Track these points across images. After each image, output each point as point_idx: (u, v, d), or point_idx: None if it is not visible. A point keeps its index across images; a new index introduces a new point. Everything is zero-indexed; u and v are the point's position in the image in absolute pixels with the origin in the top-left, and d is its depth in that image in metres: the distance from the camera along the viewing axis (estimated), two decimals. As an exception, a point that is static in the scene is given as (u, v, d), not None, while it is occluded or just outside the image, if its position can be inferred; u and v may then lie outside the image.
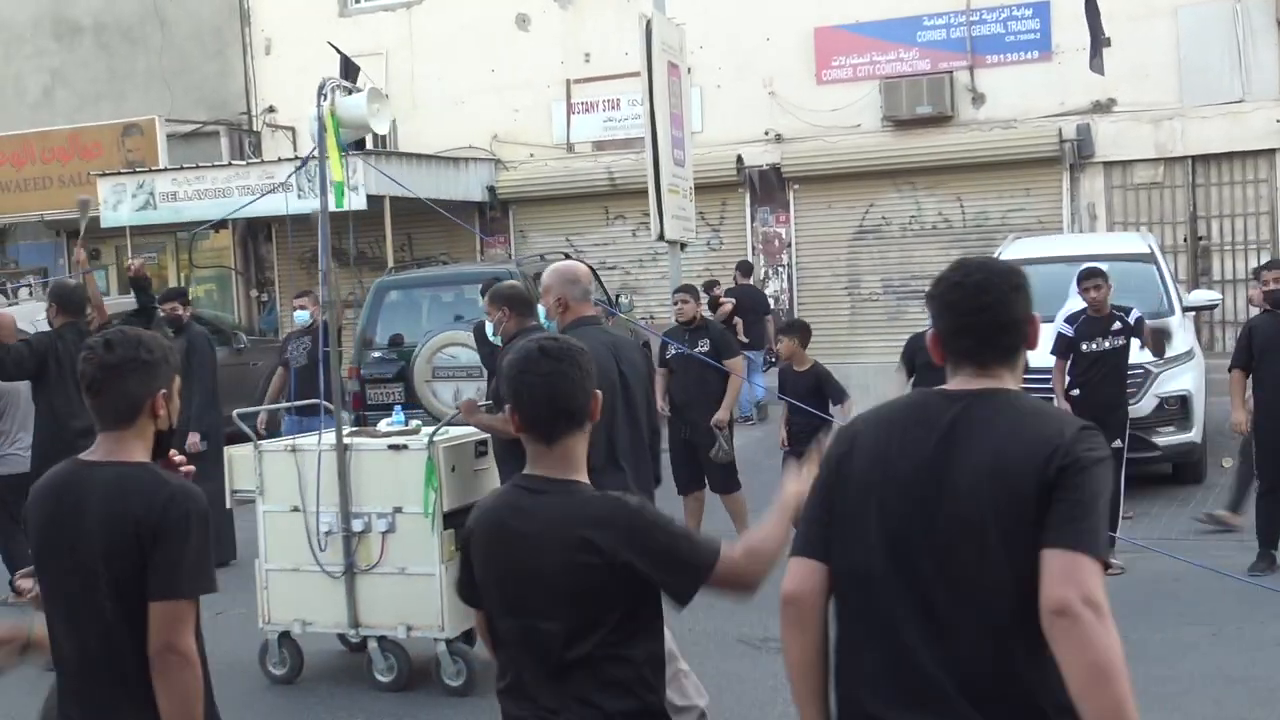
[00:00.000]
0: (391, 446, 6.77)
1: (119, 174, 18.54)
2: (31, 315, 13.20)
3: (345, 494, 6.69)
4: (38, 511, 3.24)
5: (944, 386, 2.74)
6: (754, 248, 18.47)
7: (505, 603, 2.99)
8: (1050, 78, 16.96)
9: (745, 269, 16.00)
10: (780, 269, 18.42)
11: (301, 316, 11.60)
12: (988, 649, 2.50)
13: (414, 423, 7.39)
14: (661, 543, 2.90)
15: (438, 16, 19.86)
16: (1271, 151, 16.28)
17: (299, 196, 16.80)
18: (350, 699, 6.79)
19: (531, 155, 19.46)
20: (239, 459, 7.22)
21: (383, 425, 7.44)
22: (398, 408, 8.16)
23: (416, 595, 6.61)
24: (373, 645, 6.84)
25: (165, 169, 18.59)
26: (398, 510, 6.65)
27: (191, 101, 21.03)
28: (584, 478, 3.03)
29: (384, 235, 17.48)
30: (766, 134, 18.19)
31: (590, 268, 15.84)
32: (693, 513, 9.81)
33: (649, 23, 12.92)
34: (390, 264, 16.78)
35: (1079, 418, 2.67)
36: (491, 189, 19.52)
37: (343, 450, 6.74)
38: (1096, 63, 15.32)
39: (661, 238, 13.03)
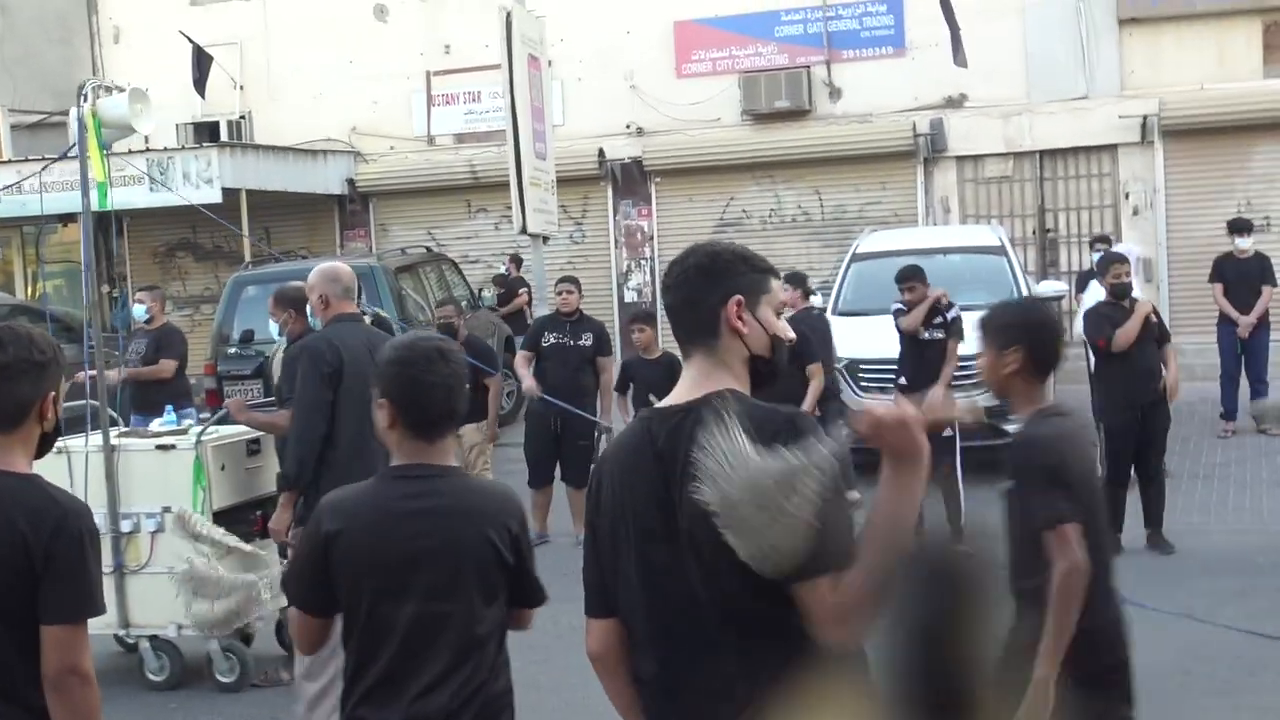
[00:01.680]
0: (159, 446, 6.85)
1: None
2: None
3: (113, 494, 6.69)
4: None
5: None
6: (616, 240, 18.54)
7: (405, 588, 3.00)
8: (904, 73, 17.30)
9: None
10: (643, 262, 18.50)
11: (138, 311, 11.38)
12: None
13: (186, 422, 7.45)
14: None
15: (294, 6, 19.51)
16: (1114, 146, 16.82)
17: (151, 190, 16.42)
18: (126, 699, 6.67)
19: (392, 148, 19.26)
20: None
21: (155, 425, 7.52)
22: (169, 407, 8.10)
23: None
24: (144, 645, 6.90)
25: (9, 160, 17.99)
26: (166, 510, 6.69)
27: (36, 90, 20.36)
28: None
29: (240, 228, 17.14)
30: (628, 127, 18.26)
31: (453, 261, 15.81)
32: (540, 507, 9.85)
33: (509, 15, 12.91)
34: (247, 258, 16.47)
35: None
36: (351, 182, 19.28)
37: (110, 450, 6.76)
38: (960, 56, 15.70)
39: (524, 231, 13.03)
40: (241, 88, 19.61)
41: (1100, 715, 3.54)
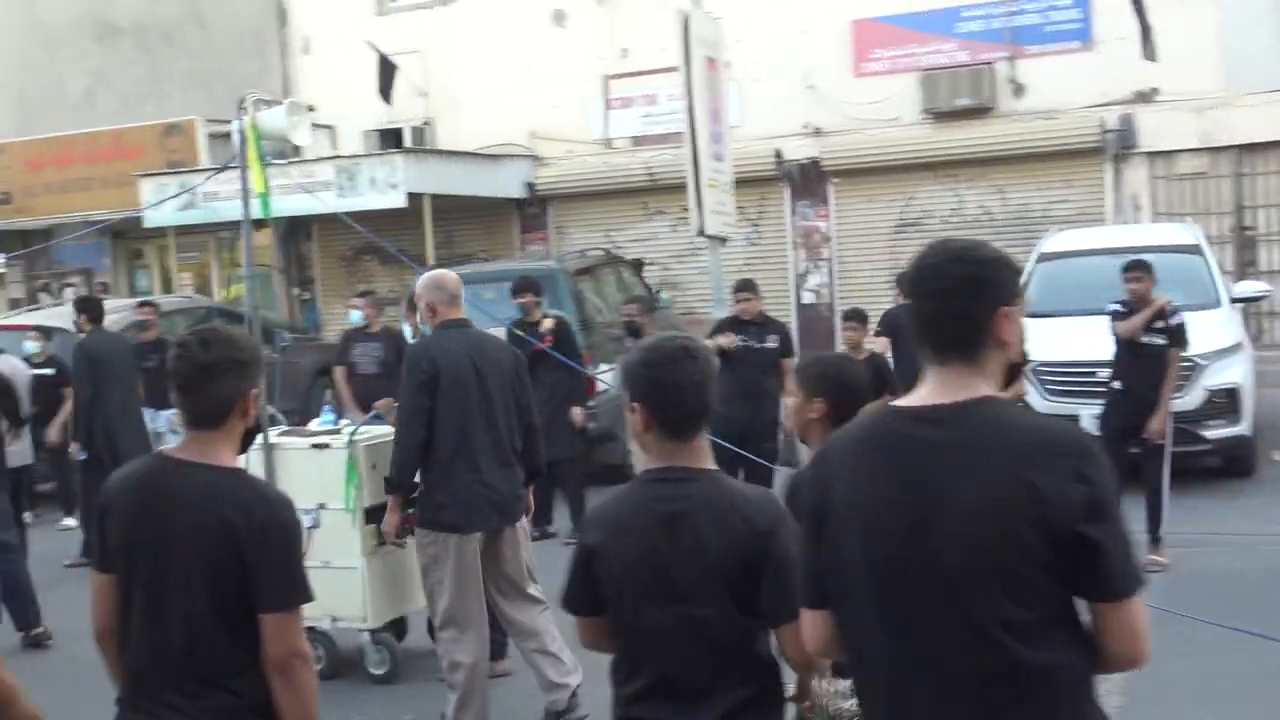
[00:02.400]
0: (315, 445, 7.04)
1: (161, 174, 18.65)
2: (73, 314, 13.32)
3: None
4: (122, 506, 3.25)
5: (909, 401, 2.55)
6: (794, 242, 18.40)
7: (663, 592, 2.98)
8: (1091, 67, 16.79)
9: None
10: (820, 263, 18.33)
11: (354, 316, 11.61)
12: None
13: (343, 423, 7.58)
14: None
15: (474, 13, 19.87)
16: (1319, 139, 16.08)
17: (339, 195, 16.88)
18: None
19: (570, 151, 19.44)
20: None
21: (313, 424, 7.69)
22: (326, 407, 8.29)
23: (341, 587, 6.77)
24: None
25: (206, 169, 18.68)
26: (322, 506, 6.85)
27: (231, 101, 21.08)
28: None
29: (423, 233, 17.52)
30: (805, 128, 18.11)
31: (630, 262, 15.89)
32: None
33: (686, 17, 12.89)
34: (430, 261, 16.81)
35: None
36: (530, 185, 19.52)
37: (269, 449, 6.97)
38: (1149, 49, 15.18)
39: (701, 233, 13.00)
40: (424, 94, 20.03)
41: None
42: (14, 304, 20.40)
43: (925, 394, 2.51)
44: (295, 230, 20.82)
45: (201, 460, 3.22)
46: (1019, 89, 17.26)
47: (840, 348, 9.47)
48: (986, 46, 17.36)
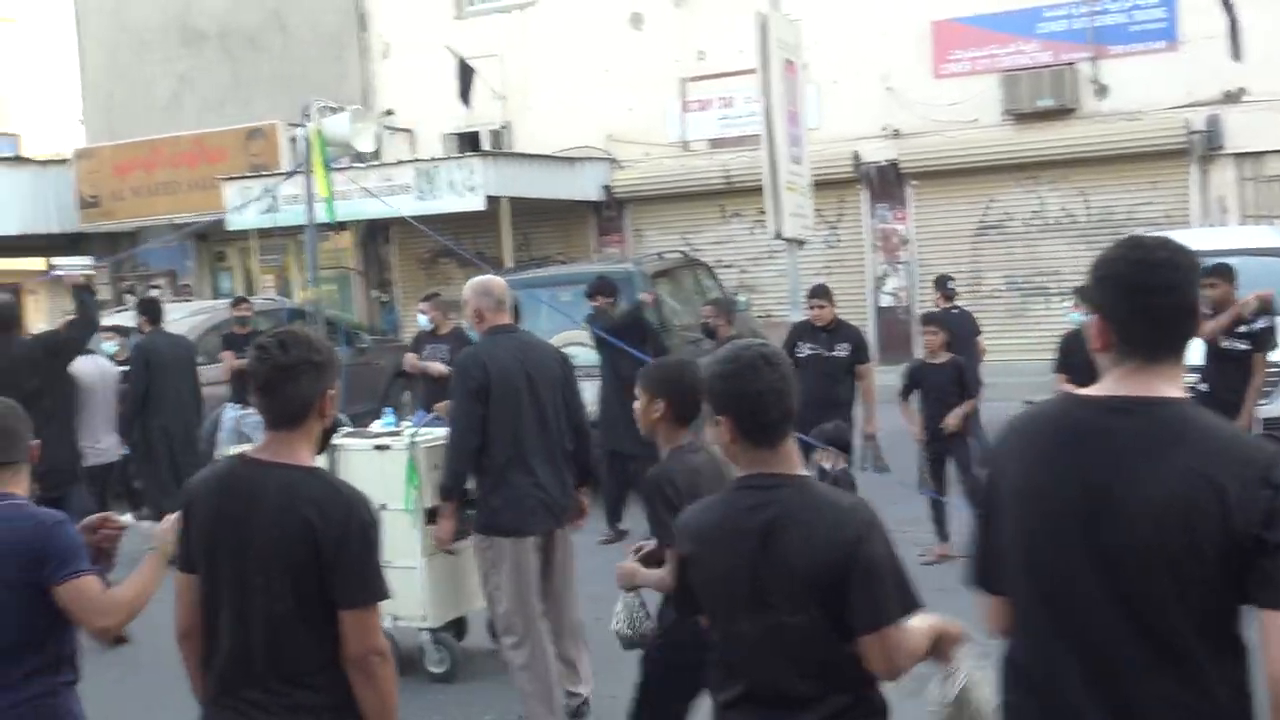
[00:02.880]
0: (376, 447, 7.08)
1: (244, 177, 18.91)
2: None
3: None
4: (204, 507, 3.30)
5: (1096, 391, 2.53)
6: (872, 245, 18.28)
7: (755, 600, 2.96)
8: (1177, 68, 16.51)
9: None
10: (899, 266, 18.19)
11: (422, 321, 11.78)
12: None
13: (405, 424, 7.63)
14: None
15: (552, 17, 19.96)
16: None
17: (418, 199, 17.03)
18: None
19: (646, 154, 19.46)
20: None
21: (374, 426, 7.75)
22: (388, 409, 8.35)
23: (401, 587, 6.62)
24: None
25: (287, 172, 18.92)
26: (383, 507, 6.75)
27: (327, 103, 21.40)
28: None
29: (500, 235, 17.62)
30: (884, 130, 17.99)
31: (707, 265, 15.87)
32: None
33: (764, 20, 12.84)
34: (508, 263, 16.91)
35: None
36: (607, 188, 19.56)
37: (332, 450, 6.97)
38: (1238, 48, 14.91)
39: (779, 236, 12.95)
40: (503, 98, 20.15)
41: None
42: (100, 305, 20.76)
43: (1115, 387, 2.49)
44: (374, 233, 21.02)
45: (280, 460, 3.27)
46: (1102, 90, 17.02)
47: (919, 352, 9.34)
48: (1069, 47, 17.14)
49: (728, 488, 3.13)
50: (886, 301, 18.22)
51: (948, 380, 9.10)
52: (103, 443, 10.08)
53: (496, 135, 20.27)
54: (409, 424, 7.66)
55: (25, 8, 36.66)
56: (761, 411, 3.00)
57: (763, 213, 14.10)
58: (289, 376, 3.24)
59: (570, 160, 19.28)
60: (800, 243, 13.51)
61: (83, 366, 10.06)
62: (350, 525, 3.19)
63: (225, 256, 22.45)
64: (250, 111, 21.02)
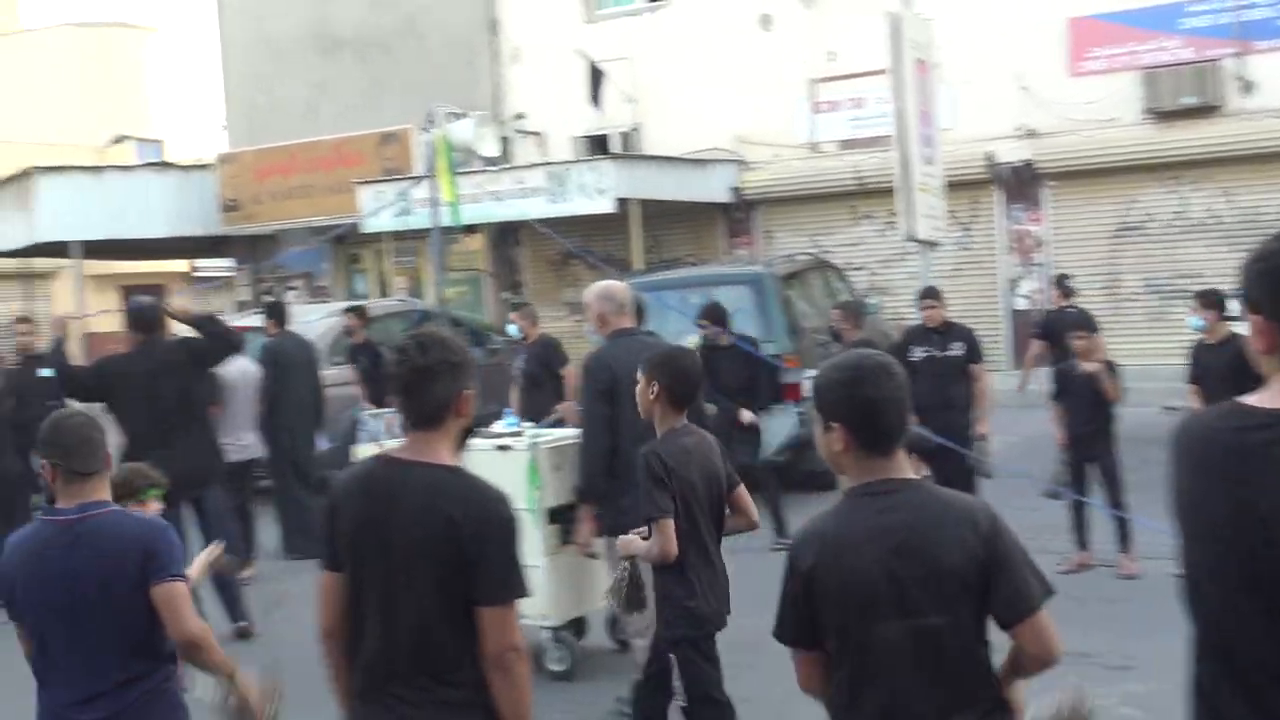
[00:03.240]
0: (498, 447, 7.15)
1: (378, 181, 19.24)
2: (300, 316, 13.85)
3: None
4: (349, 506, 3.36)
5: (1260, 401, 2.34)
6: (1007, 247, 17.97)
7: (897, 605, 2.91)
8: (1329, 63, 15.97)
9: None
10: (1033, 268, 17.86)
11: (511, 330, 12.05)
12: None
13: (527, 424, 7.74)
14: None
15: (682, 19, 19.98)
16: None
17: (550, 201, 17.16)
18: None
19: (776, 155, 19.37)
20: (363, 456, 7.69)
21: (496, 427, 7.83)
22: (507, 410, 8.49)
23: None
24: None
25: (417, 176, 19.21)
26: None
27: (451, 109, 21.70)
28: None
29: (630, 237, 17.69)
30: (1018, 129, 17.67)
31: (837, 268, 15.75)
32: None
33: (897, 19, 12.72)
34: (638, 266, 16.96)
35: None
36: (736, 190, 19.52)
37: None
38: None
39: (911, 237, 12.81)
40: (633, 100, 20.22)
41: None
42: (240, 306, 21.31)
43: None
44: (506, 235, 21.24)
45: (422, 459, 3.33)
46: (1248, 86, 16.51)
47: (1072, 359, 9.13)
48: (1212, 43, 16.66)
49: (846, 496, 3.04)
50: (1020, 304, 17.88)
51: (1088, 388, 8.90)
52: (244, 440, 10.39)
53: (626, 138, 20.35)
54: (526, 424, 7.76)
55: (169, 18, 37.80)
56: (880, 420, 2.96)
57: (894, 214, 13.96)
58: (427, 377, 3.30)
59: (700, 162, 19.27)
60: (933, 244, 13.34)
61: (225, 366, 10.36)
62: (491, 523, 3.25)
63: (360, 259, 22.88)
64: (384, 117, 21.36)
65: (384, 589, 3.26)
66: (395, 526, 3.25)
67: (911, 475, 3.05)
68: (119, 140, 34.92)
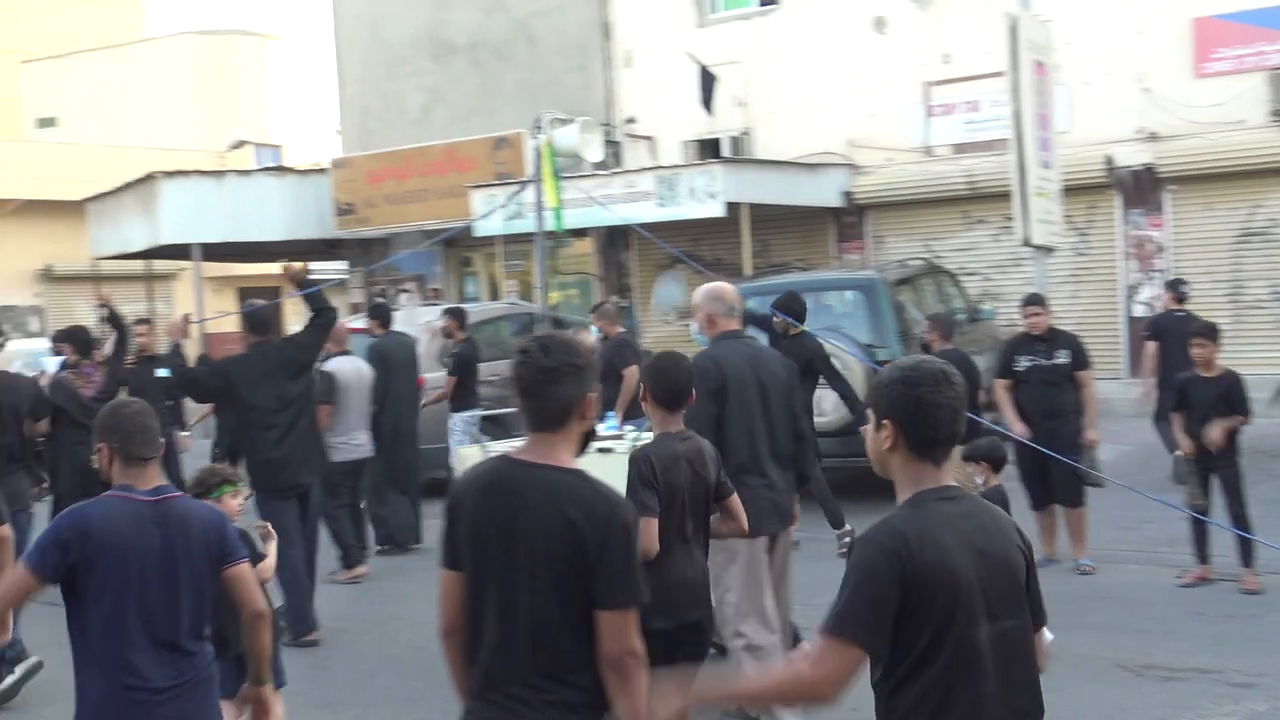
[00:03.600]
0: (599, 449, 7.29)
1: (490, 185, 19.40)
2: (412, 319, 14.04)
3: None
4: (470, 506, 3.40)
5: None
6: (1125, 253, 17.58)
7: (984, 608, 2.93)
8: None
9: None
10: (1154, 275, 17.44)
11: (592, 330, 12.32)
12: None
13: (628, 428, 7.82)
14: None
15: (794, 23, 19.86)
16: None
17: (659, 205, 17.17)
18: None
19: (889, 159, 19.17)
20: (468, 458, 7.78)
21: (600, 429, 7.84)
22: (609, 414, 8.61)
23: None
24: None
25: (526, 180, 19.34)
26: None
27: (556, 114, 21.82)
28: None
29: (740, 242, 17.62)
30: (1139, 132, 17.27)
31: (949, 273, 15.57)
32: (1045, 529, 9.51)
33: (1014, 21, 12.52)
34: (746, 270, 16.90)
35: None
36: (847, 194, 19.35)
37: None
38: None
39: (1027, 243, 12.59)
40: (743, 104, 20.15)
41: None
42: (354, 309, 21.63)
43: None
44: (615, 239, 21.30)
45: (544, 461, 3.34)
46: (1382, 87, 15.97)
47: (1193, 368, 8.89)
48: (1346, 42, 16.14)
49: (918, 499, 2.98)
50: (1140, 311, 17.47)
51: (1215, 395, 8.64)
52: (356, 440, 10.57)
53: (737, 142, 20.29)
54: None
55: (291, 26, 38.51)
56: (933, 425, 2.97)
57: (1008, 219, 13.73)
58: (552, 379, 3.31)
59: (810, 166, 19.14)
60: (1049, 250, 13.12)
61: (341, 366, 10.59)
62: (614, 527, 3.25)
63: (471, 262, 23.10)
64: (496, 121, 21.55)
65: (505, 589, 3.29)
66: (518, 527, 3.28)
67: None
68: (238, 145, 35.72)
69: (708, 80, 19.51)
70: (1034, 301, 9.74)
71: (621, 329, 12.52)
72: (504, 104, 22.32)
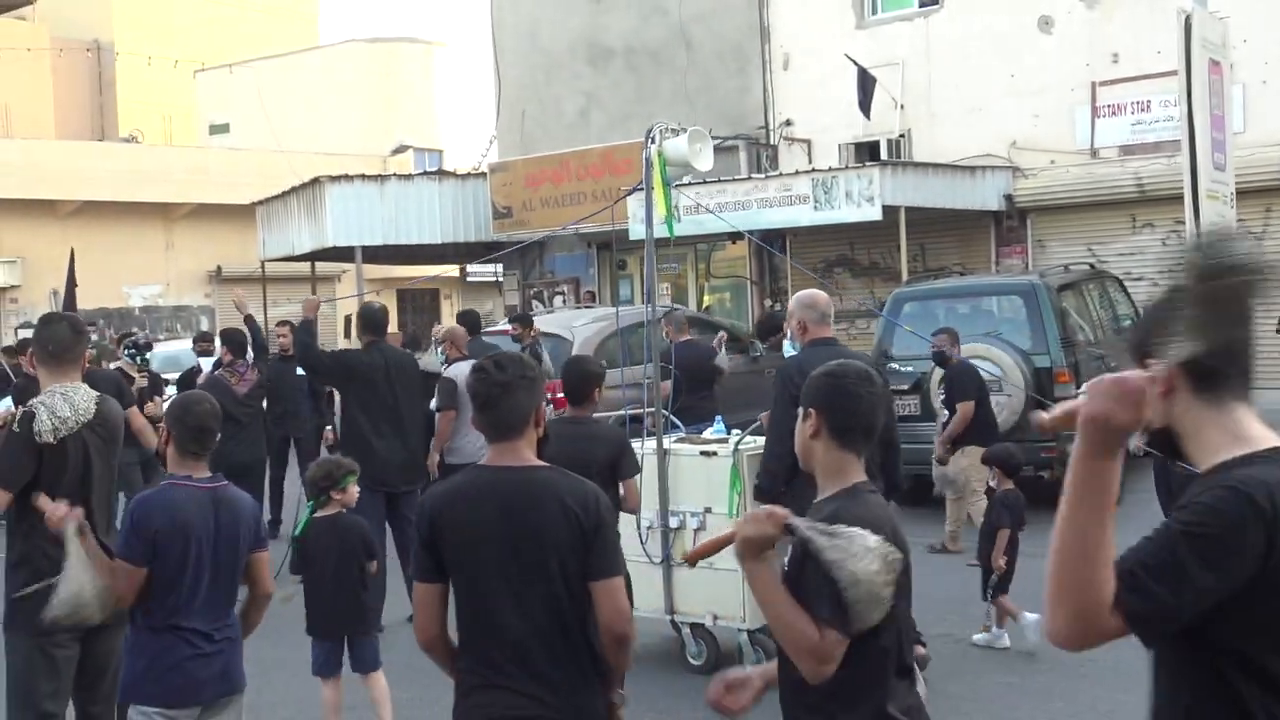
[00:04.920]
0: (703, 453, 7.50)
1: (644, 189, 19.43)
2: (569, 323, 14.13)
3: (664, 493, 7.45)
4: (457, 516, 3.67)
5: None
6: (1303, 257, 16.87)
7: None
8: None
9: None
10: (1334, 281, 16.70)
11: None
12: None
13: (734, 432, 7.92)
14: None
15: (956, 23, 19.51)
16: None
17: (815, 209, 17.03)
18: (668, 677, 7.37)
19: (1052, 162, 18.70)
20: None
21: (707, 433, 8.19)
22: (718, 416, 8.72)
23: (722, 588, 7.08)
24: (686, 631, 7.61)
25: (689, 184, 19.31)
26: (708, 510, 7.36)
27: (713, 118, 21.73)
28: None
29: (898, 246, 17.36)
30: (1319, 132, 16.57)
31: (1116, 278, 15.12)
32: None
33: (1188, 18, 12.09)
34: (904, 275, 16.65)
35: None
36: (1008, 197, 18.93)
37: (663, 455, 7.49)
38: None
39: (1199, 248, 12.14)
40: (902, 107, 19.86)
41: None
42: (509, 310, 21.86)
43: None
44: (770, 242, 21.18)
45: (519, 464, 3.69)
46: None
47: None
48: None
49: (851, 490, 3.26)
50: (1318, 320, 16.75)
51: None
52: (478, 444, 10.63)
53: (895, 144, 20.00)
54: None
55: (456, 33, 39.21)
56: (852, 413, 3.25)
57: (1178, 222, 13.32)
58: (506, 391, 3.67)
59: (971, 169, 18.77)
60: (1222, 255, 12.63)
61: (462, 371, 10.74)
62: (602, 509, 3.65)
63: (625, 265, 23.19)
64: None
65: (518, 585, 3.58)
66: (517, 527, 3.57)
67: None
68: (401, 150, 36.45)
69: (866, 82, 19.27)
70: None
71: (690, 336, 12.55)
72: (660, 108, 22.31)
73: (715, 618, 7.33)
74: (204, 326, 32.21)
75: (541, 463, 3.72)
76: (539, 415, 3.73)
